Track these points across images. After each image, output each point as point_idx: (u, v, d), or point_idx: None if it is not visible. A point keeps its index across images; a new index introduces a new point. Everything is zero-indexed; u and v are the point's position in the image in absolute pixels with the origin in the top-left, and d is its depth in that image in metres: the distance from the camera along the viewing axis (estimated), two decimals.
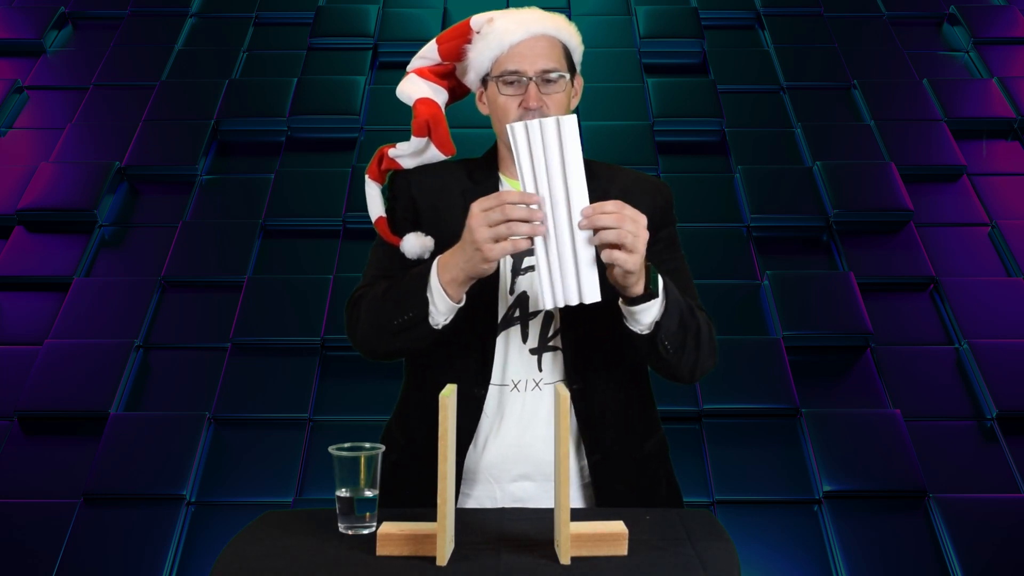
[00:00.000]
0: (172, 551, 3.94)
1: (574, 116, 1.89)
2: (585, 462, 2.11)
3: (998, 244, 5.29)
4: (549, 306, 1.88)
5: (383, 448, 1.86)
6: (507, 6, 6.59)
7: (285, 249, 5.30)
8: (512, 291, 2.10)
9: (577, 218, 1.86)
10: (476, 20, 2.13)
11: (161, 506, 4.09)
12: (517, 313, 2.10)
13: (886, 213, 5.38)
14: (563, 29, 2.13)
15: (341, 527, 1.84)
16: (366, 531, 1.83)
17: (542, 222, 1.86)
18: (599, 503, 2.11)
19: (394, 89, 2.21)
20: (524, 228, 1.85)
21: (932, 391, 4.57)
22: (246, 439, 4.38)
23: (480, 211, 1.88)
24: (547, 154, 1.86)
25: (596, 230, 1.85)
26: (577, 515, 1.84)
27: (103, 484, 4.14)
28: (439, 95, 2.18)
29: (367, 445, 1.85)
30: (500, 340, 2.10)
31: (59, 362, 4.61)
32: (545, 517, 1.87)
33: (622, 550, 1.75)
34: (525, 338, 2.10)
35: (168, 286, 5.06)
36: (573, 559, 1.72)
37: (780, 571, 3.93)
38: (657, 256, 2.08)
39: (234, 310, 4.86)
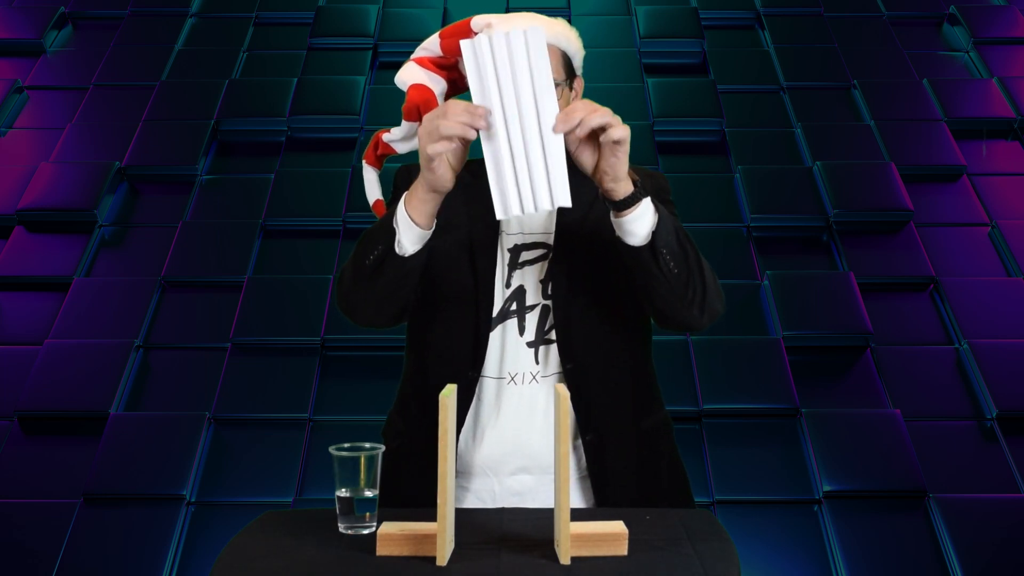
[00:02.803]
0: (172, 551, 3.94)
1: (541, 28, 1.89)
2: (579, 441, 2.12)
3: (998, 244, 5.29)
4: (500, 215, 1.89)
5: (383, 448, 1.86)
6: (507, 7, 6.61)
7: (285, 249, 5.30)
8: (508, 284, 2.12)
9: (548, 123, 1.86)
10: (476, 22, 2.13)
11: (161, 506, 4.09)
12: (514, 306, 2.11)
13: (886, 213, 5.38)
14: (562, 36, 2.13)
15: (341, 527, 1.84)
16: (366, 531, 1.83)
17: (489, 125, 1.87)
18: (595, 484, 2.11)
19: (395, 89, 2.23)
20: (456, 127, 1.86)
21: (932, 391, 4.57)
22: (246, 439, 4.38)
23: (427, 119, 1.89)
24: (514, 65, 1.86)
25: (572, 134, 1.87)
26: (577, 515, 1.84)
27: (103, 484, 4.14)
28: (437, 84, 2.20)
29: (367, 445, 1.85)
30: (496, 333, 2.11)
31: (59, 362, 4.61)
32: (545, 517, 1.87)
33: (622, 550, 1.75)
34: (522, 331, 2.11)
35: (168, 286, 5.06)
36: (573, 559, 1.72)
37: (780, 571, 3.93)
38: None
39: (234, 310, 4.86)
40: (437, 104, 2.17)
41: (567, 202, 1.87)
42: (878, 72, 6.38)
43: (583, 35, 2.20)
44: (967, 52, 6.62)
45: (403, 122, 2.17)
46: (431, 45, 2.20)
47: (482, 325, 2.10)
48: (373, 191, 2.23)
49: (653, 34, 6.62)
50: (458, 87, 2.22)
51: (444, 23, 6.67)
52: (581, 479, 2.15)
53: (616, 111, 1.90)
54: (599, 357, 2.12)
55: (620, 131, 1.86)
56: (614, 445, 2.13)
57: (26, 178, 5.58)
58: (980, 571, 3.84)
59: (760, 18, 6.84)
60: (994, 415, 4.43)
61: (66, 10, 6.86)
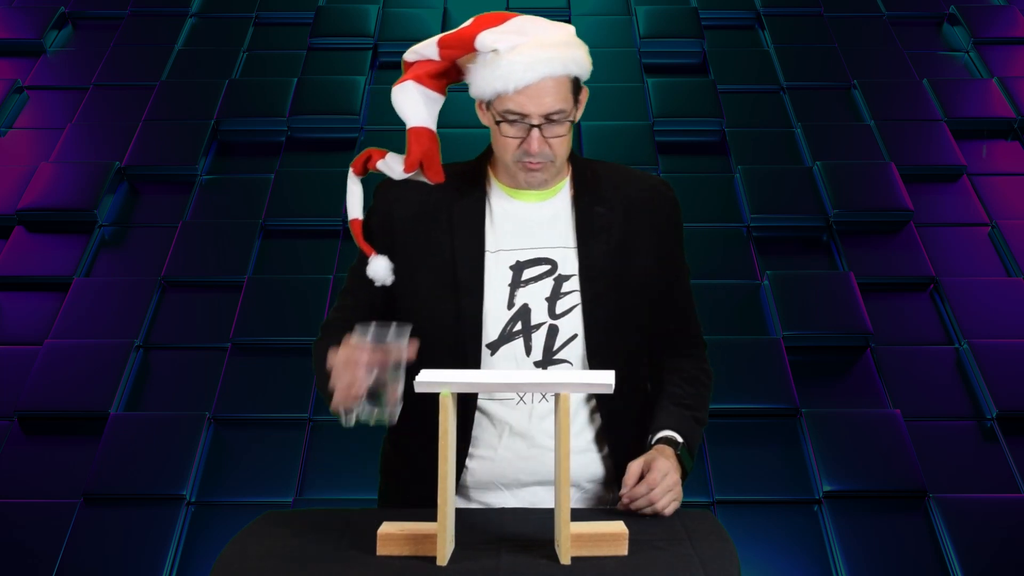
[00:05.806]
0: (172, 551, 3.94)
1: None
2: (606, 451, 2.15)
3: (998, 244, 5.29)
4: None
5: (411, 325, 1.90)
6: (507, 6, 6.61)
7: (285, 249, 5.30)
8: (511, 305, 2.08)
9: None
10: (481, 41, 2.01)
11: (161, 506, 4.09)
12: (518, 327, 2.07)
13: (886, 213, 5.38)
14: (571, 62, 2.01)
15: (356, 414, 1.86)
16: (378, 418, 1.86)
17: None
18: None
19: None
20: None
21: (932, 391, 4.57)
22: (246, 439, 4.38)
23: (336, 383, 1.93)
24: None
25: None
26: (577, 515, 1.84)
27: (103, 484, 4.14)
28: (435, 105, 2.09)
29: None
30: (500, 355, 2.07)
31: (59, 362, 4.60)
32: (545, 517, 1.87)
33: (622, 550, 1.75)
34: (528, 351, 2.07)
35: (168, 286, 5.06)
36: (573, 559, 1.72)
37: (780, 571, 3.93)
38: (663, 276, 2.14)
39: (234, 310, 4.86)
40: (438, 150, 2.08)
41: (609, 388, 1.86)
42: (878, 72, 6.38)
43: (583, 35, 2.17)
44: (967, 52, 6.62)
45: (404, 171, 2.08)
46: (428, 51, 2.08)
47: (471, 360, 2.06)
48: (355, 207, 2.11)
49: (653, 34, 6.62)
50: (453, 79, 2.11)
51: (444, 23, 6.67)
52: (590, 485, 2.15)
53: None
54: (628, 384, 2.11)
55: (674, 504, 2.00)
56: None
57: (26, 178, 5.57)
58: (980, 571, 3.84)
59: (760, 18, 6.84)
60: (994, 415, 4.42)
61: (66, 10, 6.86)
